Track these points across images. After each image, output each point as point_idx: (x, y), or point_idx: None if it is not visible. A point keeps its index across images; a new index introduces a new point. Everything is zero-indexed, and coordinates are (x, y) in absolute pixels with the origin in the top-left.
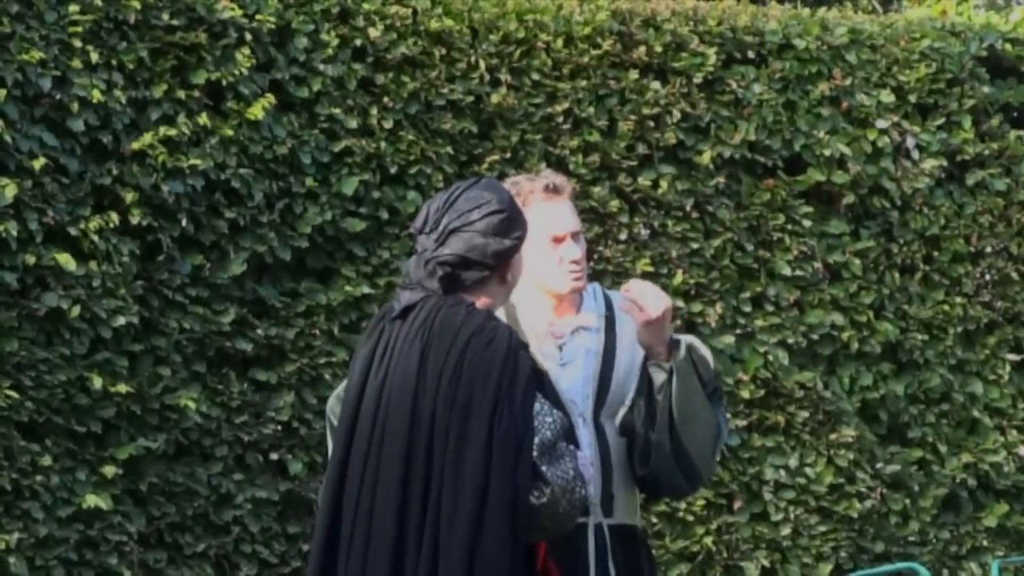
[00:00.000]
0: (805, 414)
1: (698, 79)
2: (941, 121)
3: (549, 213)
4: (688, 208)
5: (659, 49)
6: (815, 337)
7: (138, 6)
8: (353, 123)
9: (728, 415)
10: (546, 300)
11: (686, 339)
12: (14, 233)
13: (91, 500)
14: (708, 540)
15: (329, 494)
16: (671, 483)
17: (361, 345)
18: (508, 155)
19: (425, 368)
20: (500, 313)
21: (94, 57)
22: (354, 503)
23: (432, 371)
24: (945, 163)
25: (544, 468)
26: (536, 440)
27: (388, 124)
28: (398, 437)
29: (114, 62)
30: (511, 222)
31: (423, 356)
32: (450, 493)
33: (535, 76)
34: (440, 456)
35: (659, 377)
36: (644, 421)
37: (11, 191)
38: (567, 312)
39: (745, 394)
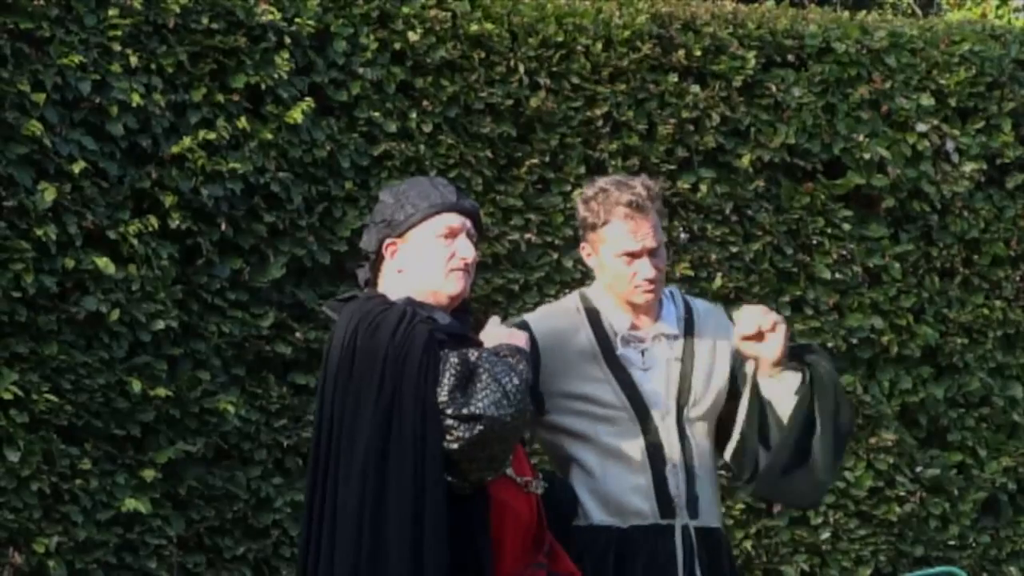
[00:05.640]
0: None
1: (737, 82)
2: (981, 124)
3: (628, 230)
4: (727, 212)
5: (698, 53)
6: (854, 341)
7: (177, 10)
8: (392, 127)
9: None
10: (625, 306)
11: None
12: (53, 237)
13: (130, 504)
14: (747, 544)
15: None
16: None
17: None
18: (547, 159)
19: (331, 368)
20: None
21: (133, 61)
22: None
23: (332, 369)
24: (985, 166)
25: (457, 412)
26: (442, 391)
27: (427, 128)
28: (324, 437)
29: (153, 66)
30: (380, 209)
31: (327, 358)
32: (344, 476)
33: (574, 80)
34: (336, 449)
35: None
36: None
37: (50, 195)
38: (647, 315)
39: None
